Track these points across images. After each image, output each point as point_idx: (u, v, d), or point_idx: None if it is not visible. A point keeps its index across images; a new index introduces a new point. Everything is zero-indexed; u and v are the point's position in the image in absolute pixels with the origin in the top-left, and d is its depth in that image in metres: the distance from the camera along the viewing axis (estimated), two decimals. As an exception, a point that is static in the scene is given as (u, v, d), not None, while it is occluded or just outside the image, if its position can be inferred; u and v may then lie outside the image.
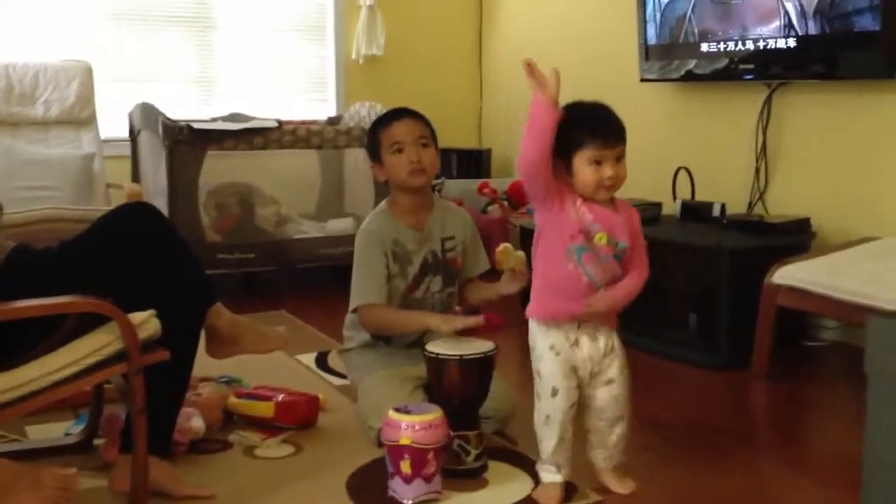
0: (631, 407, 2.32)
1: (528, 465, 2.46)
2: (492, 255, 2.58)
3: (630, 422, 2.33)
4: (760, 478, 2.49)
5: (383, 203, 2.77)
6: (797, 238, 3.67)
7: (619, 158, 2.19)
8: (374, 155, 2.72)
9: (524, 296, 4.30)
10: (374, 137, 2.72)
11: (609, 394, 2.27)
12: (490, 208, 5.01)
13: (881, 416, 1.77)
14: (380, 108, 4.86)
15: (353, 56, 5.62)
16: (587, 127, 2.21)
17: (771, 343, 3.26)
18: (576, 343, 2.25)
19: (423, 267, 2.70)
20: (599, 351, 2.26)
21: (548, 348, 2.25)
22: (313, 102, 5.62)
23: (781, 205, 3.97)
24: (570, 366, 2.24)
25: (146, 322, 2.09)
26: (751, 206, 4.06)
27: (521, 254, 2.52)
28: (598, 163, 2.17)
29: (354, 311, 2.68)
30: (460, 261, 2.78)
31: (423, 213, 2.73)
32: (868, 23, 3.44)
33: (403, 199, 2.71)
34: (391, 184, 2.72)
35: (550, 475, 2.27)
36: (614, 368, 2.27)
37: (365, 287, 2.64)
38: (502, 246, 2.51)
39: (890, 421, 1.75)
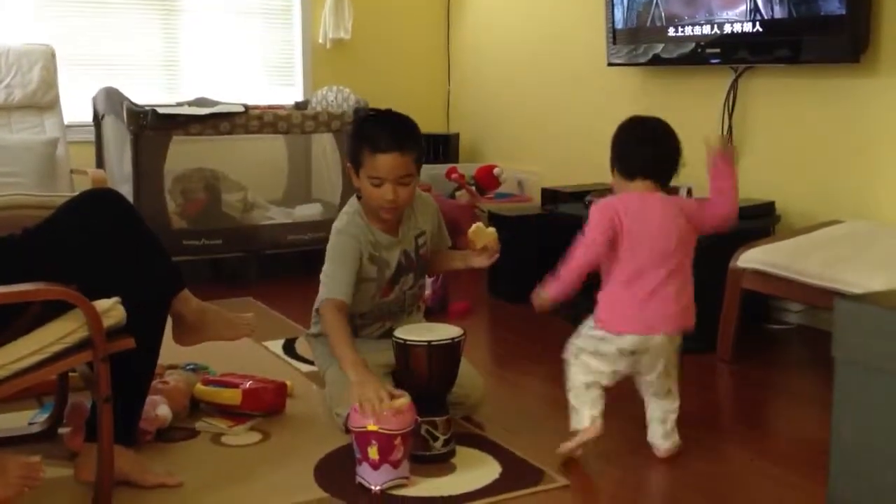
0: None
1: (495, 450, 2.47)
2: (464, 238, 2.60)
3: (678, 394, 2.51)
4: (725, 461, 2.52)
5: (355, 202, 2.67)
6: (762, 222, 3.70)
7: None
8: (354, 162, 2.61)
9: (491, 280, 4.34)
10: (358, 149, 2.58)
11: (659, 368, 2.46)
12: (458, 193, 5.01)
13: (848, 399, 1.79)
14: (348, 93, 4.84)
15: (321, 40, 5.58)
16: None
17: (736, 326, 3.29)
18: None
19: (398, 268, 2.67)
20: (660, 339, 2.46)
21: None
22: (280, 87, 5.58)
23: (746, 188, 3.97)
24: (618, 348, 2.46)
25: (111, 309, 2.07)
26: (717, 190, 4.08)
27: (492, 230, 2.58)
28: None
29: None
30: (429, 252, 2.77)
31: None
32: (833, 6, 3.46)
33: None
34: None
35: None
36: (670, 347, 2.48)
37: (335, 282, 2.56)
38: (474, 226, 2.58)
39: (857, 405, 1.77)
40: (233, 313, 2.59)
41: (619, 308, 2.42)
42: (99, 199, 2.33)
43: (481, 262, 2.64)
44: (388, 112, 2.68)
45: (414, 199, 2.70)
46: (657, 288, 2.38)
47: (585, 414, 2.43)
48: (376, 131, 2.56)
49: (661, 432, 2.47)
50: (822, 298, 3.02)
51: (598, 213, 2.42)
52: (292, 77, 5.64)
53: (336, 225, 2.64)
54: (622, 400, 2.53)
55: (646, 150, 2.46)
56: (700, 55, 4.03)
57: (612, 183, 2.52)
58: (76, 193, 2.47)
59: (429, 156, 5.57)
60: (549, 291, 2.48)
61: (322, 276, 2.60)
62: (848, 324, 1.79)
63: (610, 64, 4.49)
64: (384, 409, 2.18)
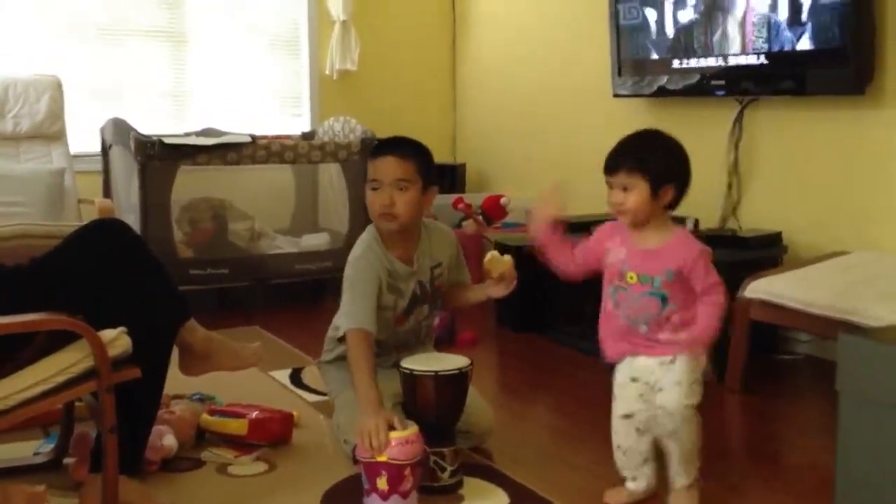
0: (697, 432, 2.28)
1: (503, 481, 2.45)
2: (476, 268, 2.61)
3: (693, 445, 2.28)
4: (735, 492, 2.50)
5: (372, 230, 2.65)
6: (769, 252, 3.70)
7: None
8: (366, 181, 2.62)
9: (498, 310, 4.33)
10: (367, 164, 2.64)
11: (661, 402, 2.23)
12: (465, 223, 5.00)
13: (853, 433, 1.78)
14: (354, 123, 4.86)
15: (328, 71, 5.61)
16: None
17: (745, 357, 3.28)
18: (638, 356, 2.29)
19: (413, 299, 2.66)
20: (655, 362, 2.24)
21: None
22: (287, 117, 5.60)
23: (754, 219, 4.00)
24: (628, 377, 2.29)
25: (117, 339, 2.07)
26: (724, 220, 4.08)
27: (507, 258, 2.58)
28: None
29: (342, 338, 2.58)
30: (446, 279, 2.76)
31: (411, 245, 2.64)
32: (836, 39, 3.47)
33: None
34: None
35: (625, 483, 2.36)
36: (670, 379, 2.22)
37: (355, 309, 2.51)
38: (490, 254, 2.57)
39: (861, 438, 1.76)
40: (239, 343, 2.59)
41: None
42: (106, 230, 2.34)
43: (499, 291, 2.62)
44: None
45: (430, 229, 2.70)
46: None
47: None
48: (382, 141, 2.70)
49: None
50: (830, 329, 3.01)
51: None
52: (299, 107, 5.66)
53: (354, 252, 2.61)
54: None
55: None
56: (705, 87, 4.04)
57: (652, 206, 2.21)
58: (83, 223, 2.48)
59: (435, 186, 5.57)
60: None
61: (343, 305, 2.55)
62: (851, 358, 1.79)
63: (615, 95, 4.50)
64: (385, 440, 2.17)
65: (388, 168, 2.54)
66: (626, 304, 2.23)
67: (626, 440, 2.30)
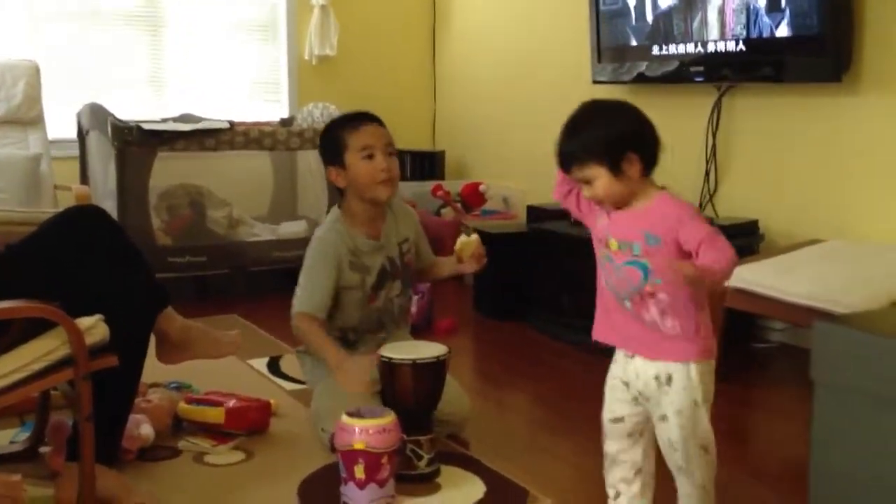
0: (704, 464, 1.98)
1: (480, 469, 2.46)
2: (450, 254, 2.66)
3: (707, 484, 1.99)
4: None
5: (336, 211, 2.72)
6: (746, 240, 3.71)
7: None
8: (336, 158, 2.65)
9: (476, 297, 4.34)
10: (335, 139, 2.65)
11: (663, 434, 1.95)
12: (443, 210, 5.01)
13: (827, 421, 1.79)
14: (333, 109, 4.84)
15: (306, 56, 5.59)
16: None
17: (720, 345, 3.29)
18: (632, 356, 1.98)
19: (381, 275, 2.68)
20: (649, 375, 1.94)
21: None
22: (266, 104, 5.58)
23: (731, 207, 4.02)
24: (620, 380, 2.01)
25: (93, 327, 2.06)
26: (701, 207, 4.10)
27: (474, 237, 2.60)
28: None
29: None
30: (414, 259, 2.79)
31: (379, 221, 2.71)
32: (814, 27, 3.49)
33: (360, 207, 2.68)
34: (350, 190, 2.67)
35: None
36: (669, 406, 1.92)
37: (308, 295, 2.62)
38: (459, 240, 2.61)
39: (836, 426, 1.77)
40: (217, 331, 2.58)
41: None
42: (83, 216, 2.32)
43: (469, 266, 2.68)
44: None
45: (393, 206, 2.76)
46: None
47: None
48: (347, 116, 2.70)
49: None
50: (806, 317, 3.03)
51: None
52: (278, 94, 5.64)
53: (316, 232, 2.70)
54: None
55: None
56: (684, 74, 4.05)
57: (625, 182, 1.90)
58: (60, 210, 2.46)
59: (414, 173, 5.58)
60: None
61: (298, 289, 2.64)
62: (825, 346, 1.79)
63: (595, 82, 4.51)
64: (371, 376, 2.20)
65: (378, 133, 2.61)
66: (610, 275, 1.95)
67: (613, 446, 2.02)
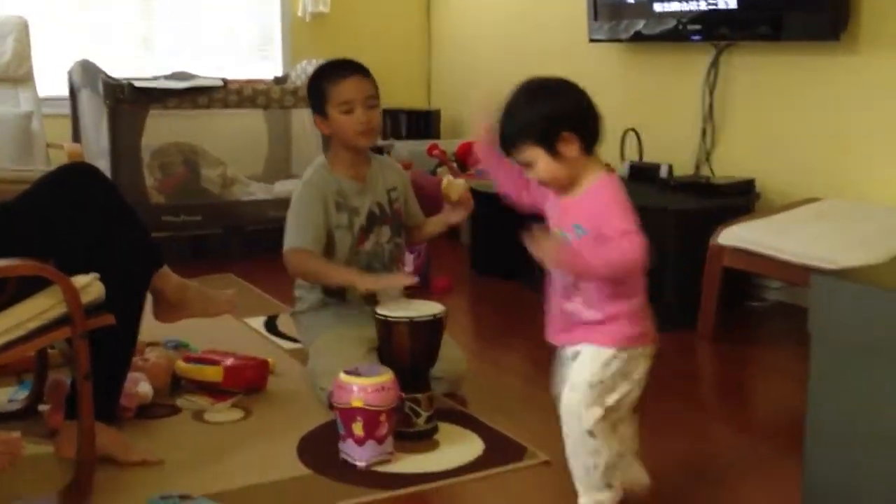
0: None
1: (478, 427, 2.47)
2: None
3: (585, 473, 1.94)
4: (706, 436, 2.54)
5: (322, 157, 2.77)
6: (742, 199, 3.72)
7: None
8: (319, 108, 2.68)
9: (473, 256, 4.34)
10: (319, 89, 2.68)
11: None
12: (439, 170, 4.99)
13: (824, 375, 1.79)
14: (327, 68, 4.79)
15: (300, 13, 5.53)
16: None
17: (716, 304, 3.31)
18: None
19: (371, 218, 2.71)
20: (568, 355, 1.97)
21: None
22: (259, 61, 5.53)
23: (727, 166, 4.01)
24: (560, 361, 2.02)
25: (89, 285, 2.05)
26: (697, 167, 4.09)
27: (463, 181, 2.62)
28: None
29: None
30: (403, 210, 2.81)
31: (363, 166, 2.75)
32: (814, -15, 3.46)
33: (345, 153, 2.72)
34: (335, 139, 2.71)
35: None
36: (569, 380, 1.92)
37: (299, 232, 2.63)
38: (446, 179, 2.64)
39: (832, 380, 1.78)
40: (213, 290, 2.58)
41: (645, 313, 1.95)
42: (76, 174, 2.30)
43: (456, 216, 2.71)
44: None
45: (378, 158, 2.83)
46: None
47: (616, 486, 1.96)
48: (332, 65, 2.71)
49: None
50: (802, 276, 3.04)
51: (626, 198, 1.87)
52: (271, 51, 5.58)
53: (302, 178, 2.74)
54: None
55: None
56: (681, 32, 4.02)
57: (564, 163, 1.87)
58: (53, 168, 2.44)
59: (410, 132, 5.55)
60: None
61: (286, 231, 2.67)
62: (824, 299, 1.79)
63: (591, 40, 4.47)
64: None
65: (359, 87, 2.64)
66: None
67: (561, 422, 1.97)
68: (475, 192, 2.80)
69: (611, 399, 1.89)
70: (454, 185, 2.64)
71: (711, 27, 3.89)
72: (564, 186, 1.90)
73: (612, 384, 1.88)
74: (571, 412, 1.90)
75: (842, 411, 1.78)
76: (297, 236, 2.63)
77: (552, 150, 1.84)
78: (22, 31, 4.47)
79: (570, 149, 1.85)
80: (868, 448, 1.74)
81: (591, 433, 1.89)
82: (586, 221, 1.85)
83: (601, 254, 1.80)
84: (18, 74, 4.48)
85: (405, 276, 2.64)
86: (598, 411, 1.88)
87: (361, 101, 2.62)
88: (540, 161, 1.86)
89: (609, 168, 1.94)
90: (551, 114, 1.86)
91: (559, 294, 1.94)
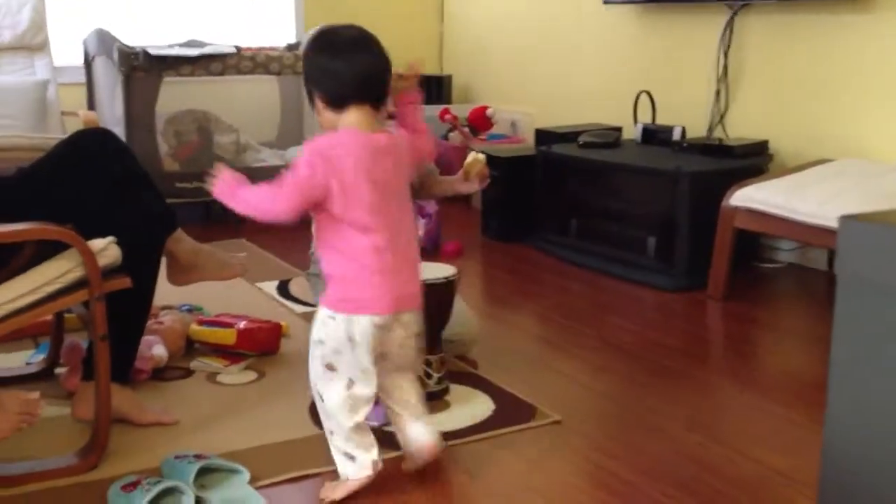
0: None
1: (489, 387, 2.50)
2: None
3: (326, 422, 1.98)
4: (715, 395, 2.56)
5: None
6: (755, 161, 3.70)
7: None
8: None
9: (484, 220, 4.35)
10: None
11: None
12: (451, 135, 4.98)
13: (849, 318, 1.77)
14: (339, 34, 4.78)
15: (312, -21, 5.51)
16: None
17: (728, 265, 3.31)
18: None
19: None
20: None
21: None
22: (272, 28, 5.52)
23: (741, 128, 4.00)
24: None
25: (106, 249, 2.07)
26: (710, 129, 4.08)
27: (481, 156, 2.60)
28: None
29: None
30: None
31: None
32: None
33: None
34: None
35: None
36: None
37: None
38: (471, 156, 2.59)
39: (857, 323, 1.76)
40: (225, 253, 2.60)
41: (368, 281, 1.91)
42: (91, 138, 2.33)
43: (468, 187, 2.66)
44: None
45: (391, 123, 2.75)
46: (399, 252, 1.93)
47: (365, 459, 1.95)
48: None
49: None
50: (816, 236, 3.04)
51: (305, 165, 1.88)
52: (284, 18, 5.57)
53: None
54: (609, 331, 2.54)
55: (359, 61, 1.91)
56: (696, -7, 3.99)
57: (319, 118, 1.98)
58: (68, 134, 2.46)
59: (422, 97, 5.52)
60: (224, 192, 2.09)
61: None
62: (852, 241, 1.77)
63: (606, 2, 4.44)
64: None
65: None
66: None
67: None
68: (487, 157, 2.79)
69: (330, 360, 1.92)
70: (477, 161, 2.61)
71: (725, -12, 3.86)
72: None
73: (334, 345, 1.91)
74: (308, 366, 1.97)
75: (866, 354, 1.76)
76: None
77: (311, 101, 1.98)
78: (38, 1, 4.48)
79: (318, 104, 1.95)
80: (892, 391, 1.72)
81: (319, 395, 1.95)
82: None
83: (250, 194, 2.02)
84: (34, 43, 4.49)
85: None
86: (317, 367, 1.94)
87: None
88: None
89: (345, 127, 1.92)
90: (305, 68, 1.98)
91: None
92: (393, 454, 2.09)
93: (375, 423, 2.22)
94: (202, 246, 2.51)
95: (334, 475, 1.97)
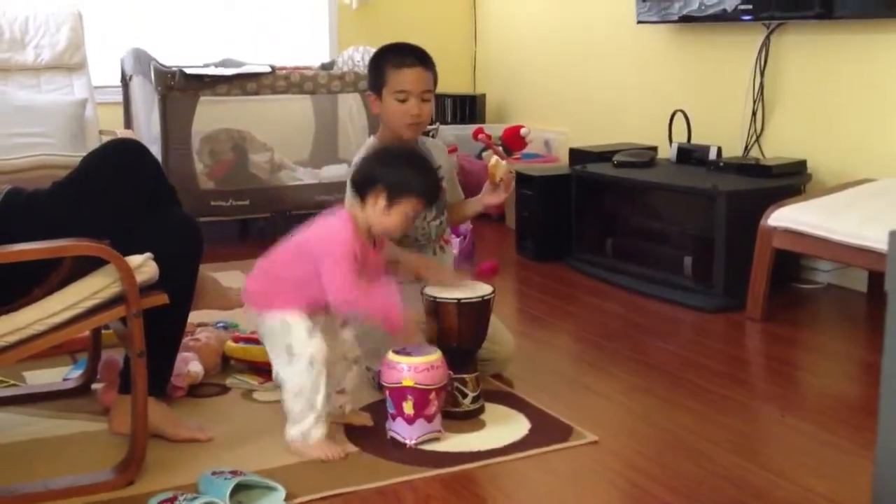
0: None
1: (524, 407, 2.48)
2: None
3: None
4: (756, 418, 2.52)
5: (372, 139, 2.77)
6: (793, 180, 3.67)
7: None
8: (375, 88, 2.68)
9: (518, 239, 4.33)
10: (380, 71, 2.67)
11: None
12: (485, 154, 4.99)
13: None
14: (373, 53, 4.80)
15: (347, 0, 5.55)
16: None
17: (766, 285, 3.27)
18: None
19: None
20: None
21: None
22: (307, 48, 5.56)
23: (778, 147, 3.96)
24: None
25: (144, 265, 2.07)
26: (747, 148, 4.04)
27: (508, 164, 2.62)
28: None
29: None
30: (448, 190, 2.81)
31: (411, 145, 2.74)
32: (867, -38, 3.40)
33: (390, 136, 2.72)
34: (382, 119, 2.72)
35: None
36: None
37: None
38: (494, 159, 2.62)
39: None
40: (227, 286, 2.58)
41: None
42: (124, 150, 2.30)
43: (495, 198, 2.69)
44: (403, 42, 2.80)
45: (423, 140, 2.80)
46: None
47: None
48: (398, 50, 2.70)
49: None
50: (855, 257, 3.00)
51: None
52: (319, 38, 5.61)
53: (354, 160, 2.71)
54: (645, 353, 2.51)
55: None
56: (732, 12, 3.97)
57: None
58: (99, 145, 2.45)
59: (455, 116, 5.55)
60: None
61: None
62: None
63: (639, 21, 4.43)
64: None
65: (417, 79, 2.62)
66: None
67: None
68: (520, 175, 2.79)
69: None
70: (501, 165, 2.65)
71: (762, 6, 3.83)
72: None
73: None
74: None
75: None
76: None
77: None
78: (76, 21, 4.55)
79: None
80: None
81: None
82: None
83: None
84: (73, 62, 4.56)
85: (453, 275, 2.60)
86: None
87: (418, 93, 2.61)
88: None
89: None
90: None
91: None
92: (431, 472, 2.08)
93: (412, 442, 2.22)
94: (206, 273, 2.49)
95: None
